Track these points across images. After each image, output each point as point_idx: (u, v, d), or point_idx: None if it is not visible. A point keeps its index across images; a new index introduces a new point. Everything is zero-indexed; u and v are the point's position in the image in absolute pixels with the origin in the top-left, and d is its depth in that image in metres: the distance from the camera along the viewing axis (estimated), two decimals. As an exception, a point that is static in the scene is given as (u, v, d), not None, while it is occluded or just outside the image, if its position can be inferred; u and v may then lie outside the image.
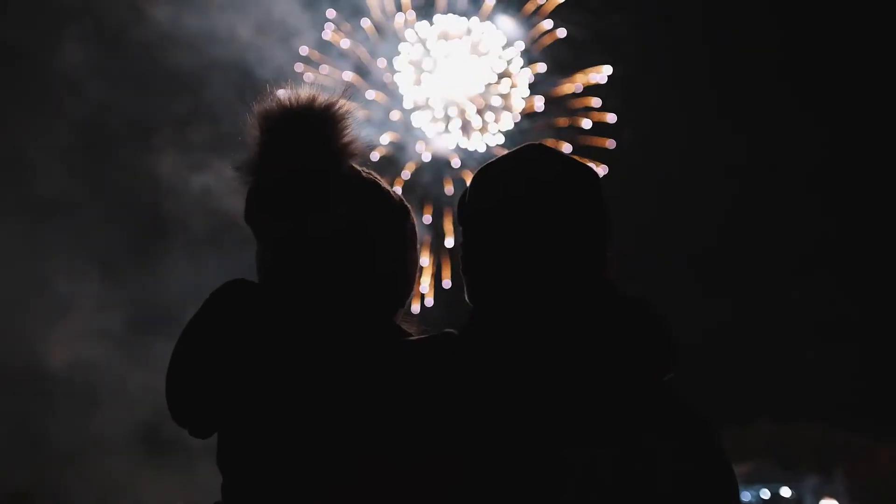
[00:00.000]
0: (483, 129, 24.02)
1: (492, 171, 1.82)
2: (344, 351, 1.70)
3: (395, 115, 22.62)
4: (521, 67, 24.06)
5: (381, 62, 22.79)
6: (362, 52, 22.49)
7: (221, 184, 14.24)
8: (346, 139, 1.84)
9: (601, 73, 22.28)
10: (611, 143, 22.17)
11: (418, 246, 1.93)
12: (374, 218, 1.84)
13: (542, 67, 23.18)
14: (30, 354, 14.23)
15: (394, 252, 1.86)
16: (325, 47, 21.01)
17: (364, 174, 1.89)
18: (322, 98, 1.85)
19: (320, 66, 21.08)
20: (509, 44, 23.94)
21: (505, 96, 24.18)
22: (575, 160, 1.79)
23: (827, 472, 17.41)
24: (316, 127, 1.82)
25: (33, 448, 14.56)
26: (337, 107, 1.84)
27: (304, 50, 20.29)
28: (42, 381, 14.17)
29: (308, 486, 1.63)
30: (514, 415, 1.60)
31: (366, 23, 22.23)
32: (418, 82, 23.69)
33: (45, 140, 14.07)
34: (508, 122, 23.94)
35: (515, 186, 1.74)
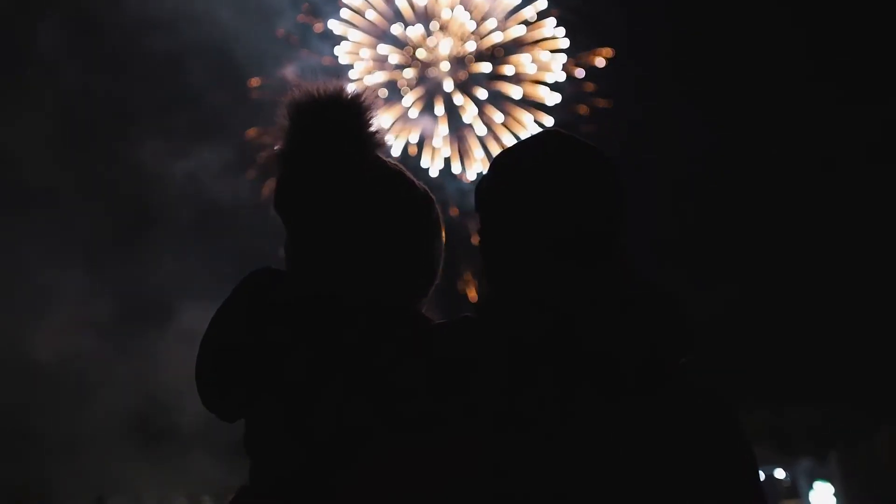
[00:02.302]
0: (494, 138, 15.73)
1: (510, 156, 1.86)
2: (369, 337, 1.73)
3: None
4: (553, 35, 15.64)
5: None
6: (358, 33, 16.74)
7: (205, 169, 14.08)
8: (372, 129, 1.89)
9: (600, 58, 16.74)
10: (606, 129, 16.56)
11: (443, 236, 1.97)
12: (400, 207, 1.88)
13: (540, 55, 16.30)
14: (16, 346, 14.09)
15: (419, 241, 1.90)
16: (307, 29, 16.93)
17: (389, 164, 1.93)
18: (349, 90, 1.90)
19: (301, 50, 16.57)
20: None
21: (525, 81, 15.87)
22: (594, 147, 1.81)
23: (821, 454, 17.47)
24: (343, 118, 1.88)
25: (24, 440, 14.45)
26: (363, 98, 1.90)
27: (281, 32, 16.44)
28: (30, 373, 14.04)
29: (333, 469, 1.65)
30: (529, 398, 1.62)
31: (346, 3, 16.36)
32: (379, 62, 15.85)
33: (23, 127, 13.83)
34: (533, 127, 15.99)
35: (533, 172, 1.76)
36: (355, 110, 1.89)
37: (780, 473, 17.74)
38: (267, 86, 14.78)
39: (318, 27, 16.39)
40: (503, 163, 1.84)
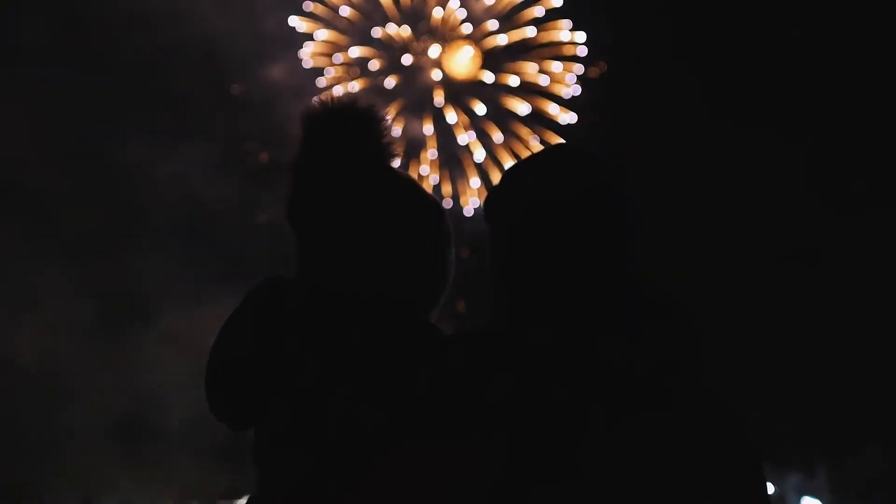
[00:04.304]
0: (494, 163, 12.74)
1: (520, 169, 1.89)
2: (380, 346, 1.76)
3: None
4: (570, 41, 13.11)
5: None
6: (334, 33, 14.15)
7: (190, 170, 13.94)
8: (385, 140, 1.93)
9: (594, 69, 14.04)
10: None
11: (453, 247, 1.99)
12: (411, 217, 1.91)
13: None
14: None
15: (431, 250, 1.93)
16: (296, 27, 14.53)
17: (401, 175, 1.97)
18: (363, 101, 1.94)
19: (289, 49, 14.18)
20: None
21: (533, 95, 12.89)
22: (605, 161, 1.84)
23: (810, 469, 17.47)
24: (357, 128, 1.91)
25: (7, 442, 14.40)
26: (376, 109, 1.93)
27: (272, 29, 13.90)
28: (11, 375, 13.99)
29: (342, 477, 1.67)
30: (541, 410, 1.64)
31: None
32: (354, 67, 13.05)
33: (2, 126, 13.75)
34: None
35: (542, 186, 1.79)
36: (369, 121, 1.92)
37: (769, 488, 17.71)
38: (253, 86, 14.42)
39: (310, 26, 14.27)
40: (513, 175, 1.88)
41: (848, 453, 16.93)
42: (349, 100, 1.94)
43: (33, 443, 14.53)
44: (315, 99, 1.93)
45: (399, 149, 1.96)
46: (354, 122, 1.92)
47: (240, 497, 13.84)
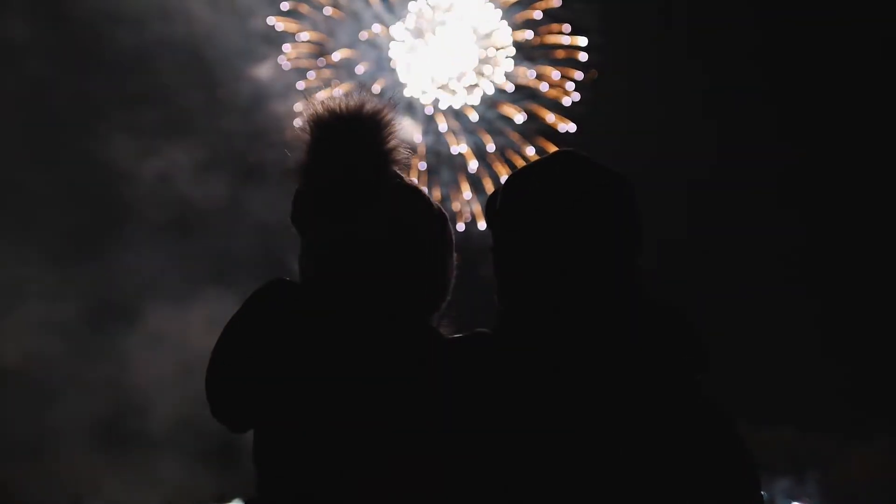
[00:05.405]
0: (488, 174, 12.68)
1: (524, 175, 1.90)
2: (383, 349, 1.77)
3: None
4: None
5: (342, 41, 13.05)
6: (317, 34, 13.31)
7: (176, 168, 13.87)
8: (390, 145, 1.94)
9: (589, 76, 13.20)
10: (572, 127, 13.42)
11: (454, 253, 2.00)
12: (417, 222, 1.92)
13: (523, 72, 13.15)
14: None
15: (434, 256, 1.94)
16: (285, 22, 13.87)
17: (406, 180, 1.98)
18: (370, 105, 1.95)
19: (278, 47, 13.39)
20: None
21: (530, 102, 12.54)
22: (608, 168, 1.85)
23: (799, 474, 17.48)
24: (363, 133, 1.92)
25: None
26: (383, 114, 1.94)
27: (258, 27, 13.19)
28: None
29: (342, 481, 1.68)
30: (546, 411, 1.66)
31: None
32: (338, 71, 12.49)
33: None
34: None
35: (545, 192, 1.80)
36: (375, 126, 1.93)
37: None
38: (240, 86, 14.24)
39: (291, 27, 13.48)
40: (516, 181, 1.88)
41: (837, 458, 16.96)
42: (356, 105, 1.94)
43: (22, 444, 14.45)
44: (320, 102, 1.94)
45: (404, 153, 1.96)
46: (359, 127, 1.92)
47: (228, 500, 13.78)
